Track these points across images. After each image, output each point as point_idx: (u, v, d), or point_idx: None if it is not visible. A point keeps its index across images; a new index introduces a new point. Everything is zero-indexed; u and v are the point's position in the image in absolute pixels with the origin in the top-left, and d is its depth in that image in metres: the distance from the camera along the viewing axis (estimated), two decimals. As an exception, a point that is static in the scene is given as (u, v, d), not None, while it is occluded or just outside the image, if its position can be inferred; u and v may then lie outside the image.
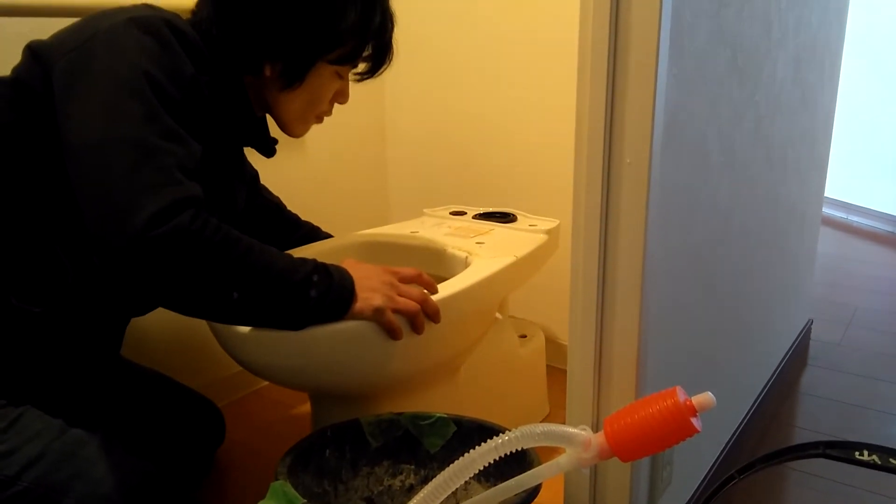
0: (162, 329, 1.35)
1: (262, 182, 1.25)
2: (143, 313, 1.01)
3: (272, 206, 1.26)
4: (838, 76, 1.68)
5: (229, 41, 0.91)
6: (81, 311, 0.89)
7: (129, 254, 0.71)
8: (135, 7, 0.87)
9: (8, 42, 1.08)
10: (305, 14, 0.91)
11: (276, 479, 0.82)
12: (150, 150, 0.75)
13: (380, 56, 1.02)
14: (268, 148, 1.04)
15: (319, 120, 1.04)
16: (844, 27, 1.64)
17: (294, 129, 1.02)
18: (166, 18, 0.85)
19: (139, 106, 0.77)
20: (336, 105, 1.05)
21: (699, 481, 1.08)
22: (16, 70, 0.86)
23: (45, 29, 1.06)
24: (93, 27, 0.82)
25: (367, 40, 0.99)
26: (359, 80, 1.05)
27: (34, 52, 0.84)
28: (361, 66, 1.03)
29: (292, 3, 0.90)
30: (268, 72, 0.94)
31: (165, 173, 0.75)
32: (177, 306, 0.79)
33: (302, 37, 0.92)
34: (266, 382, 1.57)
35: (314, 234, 1.30)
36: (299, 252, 1.15)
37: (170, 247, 0.72)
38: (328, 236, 1.32)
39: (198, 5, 0.95)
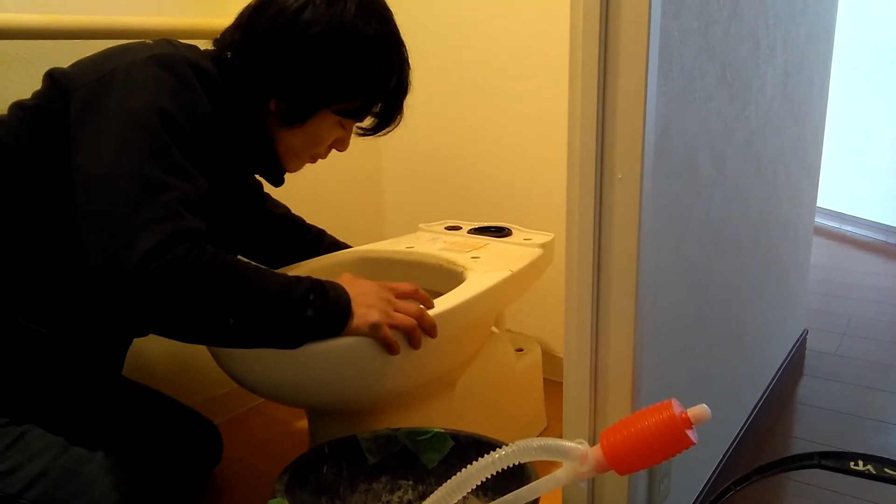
0: (160, 347, 1.36)
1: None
2: (146, 334, 1.02)
3: (277, 217, 1.27)
4: (828, 89, 1.70)
5: (245, 71, 0.92)
6: (88, 334, 0.90)
7: (125, 288, 0.71)
8: (157, 44, 0.89)
9: (21, 64, 1.09)
10: (319, 63, 0.91)
11: (274, 497, 0.82)
12: (154, 185, 0.75)
13: (387, 117, 1.02)
14: (277, 178, 1.04)
15: (313, 160, 1.05)
16: (833, 41, 1.66)
17: (286, 163, 1.02)
18: (187, 57, 0.86)
19: (149, 141, 0.77)
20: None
21: (697, 493, 1.08)
22: (36, 96, 0.87)
23: (46, 49, 1.07)
24: (114, 61, 0.83)
25: (378, 100, 0.99)
26: (361, 135, 1.05)
27: (55, 80, 0.85)
28: (367, 122, 1.03)
29: (309, 50, 0.90)
30: (272, 106, 0.95)
31: (167, 208, 0.75)
32: (173, 335, 0.79)
33: (310, 84, 0.92)
34: (263, 399, 1.56)
35: (321, 237, 1.31)
36: (296, 269, 1.16)
37: (165, 280, 0.72)
38: (334, 240, 1.33)
39: (227, 30, 0.96)
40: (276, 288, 0.82)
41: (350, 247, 1.34)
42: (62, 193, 0.81)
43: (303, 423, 1.48)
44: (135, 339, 1.03)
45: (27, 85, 0.90)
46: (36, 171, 0.83)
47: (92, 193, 0.76)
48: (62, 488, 0.80)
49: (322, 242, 1.31)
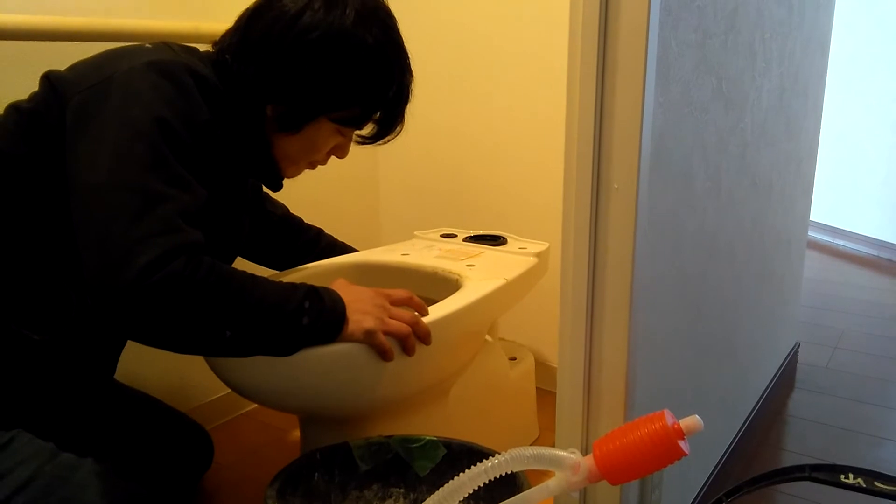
0: (152, 352, 1.34)
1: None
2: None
3: (276, 217, 1.26)
4: (822, 103, 1.71)
5: (242, 76, 0.91)
6: (80, 340, 0.89)
7: (122, 302, 0.71)
8: (155, 48, 0.87)
9: (20, 65, 1.09)
10: (316, 70, 0.90)
11: (266, 503, 0.81)
12: (152, 197, 0.75)
13: (387, 126, 1.01)
14: (275, 183, 1.04)
15: (312, 166, 1.04)
16: (827, 56, 1.67)
17: (284, 169, 1.01)
18: (186, 63, 0.84)
19: (147, 151, 0.76)
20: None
21: (688, 505, 1.08)
22: (33, 99, 0.86)
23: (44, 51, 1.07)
24: (112, 66, 0.82)
25: (376, 109, 0.98)
26: (360, 144, 1.04)
27: (52, 84, 0.84)
28: (367, 130, 1.02)
29: (306, 56, 0.89)
30: (269, 111, 0.94)
31: (165, 221, 0.74)
32: (168, 347, 0.78)
33: (306, 90, 0.91)
34: (255, 405, 1.56)
35: (318, 237, 1.31)
36: (291, 275, 1.16)
37: (163, 294, 0.71)
38: (332, 239, 1.33)
39: (226, 33, 0.95)
40: (272, 298, 0.81)
41: (349, 246, 1.34)
42: (58, 200, 0.80)
43: (295, 430, 1.47)
44: (127, 343, 1.03)
45: (24, 86, 0.89)
46: (31, 175, 0.83)
47: (89, 204, 0.75)
48: (52, 494, 0.79)
49: (319, 242, 1.31)
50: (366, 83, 0.94)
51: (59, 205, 0.80)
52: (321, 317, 0.84)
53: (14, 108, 0.86)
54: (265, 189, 1.18)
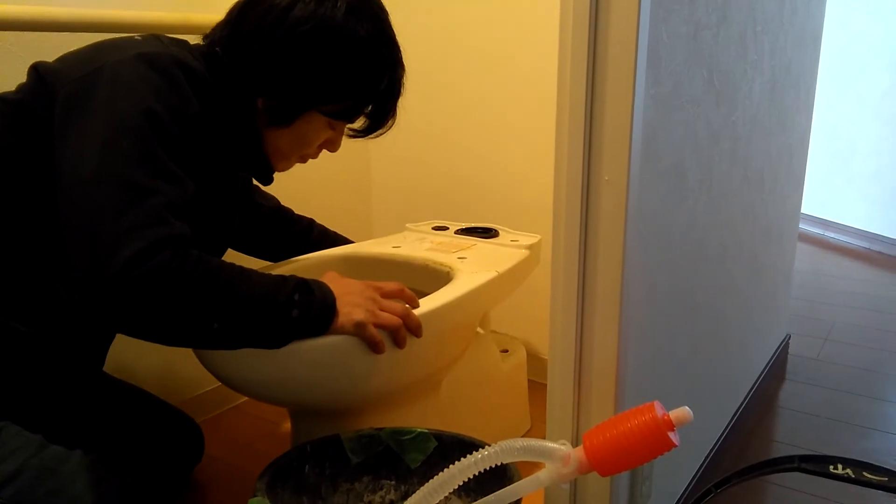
0: (142, 344, 1.34)
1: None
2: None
3: (266, 210, 1.26)
4: (813, 97, 1.72)
5: (233, 69, 0.90)
6: (68, 333, 0.89)
7: (108, 294, 0.70)
8: (145, 41, 0.87)
9: (7, 55, 1.08)
10: (307, 63, 0.90)
11: (255, 496, 0.81)
12: (140, 190, 0.74)
13: (378, 119, 1.01)
14: (266, 176, 1.03)
15: (303, 160, 1.03)
16: (819, 50, 1.67)
17: (274, 163, 1.01)
18: (175, 55, 0.84)
19: (135, 145, 0.76)
20: None
21: (678, 495, 1.09)
22: (21, 90, 0.85)
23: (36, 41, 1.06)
24: (101, 58, 0.82)
25: (368, 102, 0.97)
26: (352, 137, 1.03)
27: (40, 76, 0.83)
28: (359, 124, 1.01)
29: (296, 50, 0.89)
30: (259, 104, 0.93)
31: (152, 214, 0.74)
32: (155, 339, 0.78)
33: (297, 84, 0.91)
34: (246, 398, 1.55)
35: (310, 228, 1.31)
36: (281, 267, 1.16)
37: (148, 286, 0.71)
38: (323, 229, 1.33)
39: (217, 25, 0.94)
40: (261, 291, 0.81)
41: (341, 235, 1.34)
42: (45, 192, 0.79)
43: (286, 422, 1.47)
44: (116, 336, 1.02)
45: (12, 77, 0.88)
46: (18, 167, 0.82)
47: (76, 198, 0.75)
48: (40, 486, 0.79)
49: (312, 232, 1.30)
50: (357, 76, 0.93)
51: (46, 197, 0.79)
52: (311, 309, 0.84)
53: (1, 99, 0.85)
54: (255, 182, 1.18)
